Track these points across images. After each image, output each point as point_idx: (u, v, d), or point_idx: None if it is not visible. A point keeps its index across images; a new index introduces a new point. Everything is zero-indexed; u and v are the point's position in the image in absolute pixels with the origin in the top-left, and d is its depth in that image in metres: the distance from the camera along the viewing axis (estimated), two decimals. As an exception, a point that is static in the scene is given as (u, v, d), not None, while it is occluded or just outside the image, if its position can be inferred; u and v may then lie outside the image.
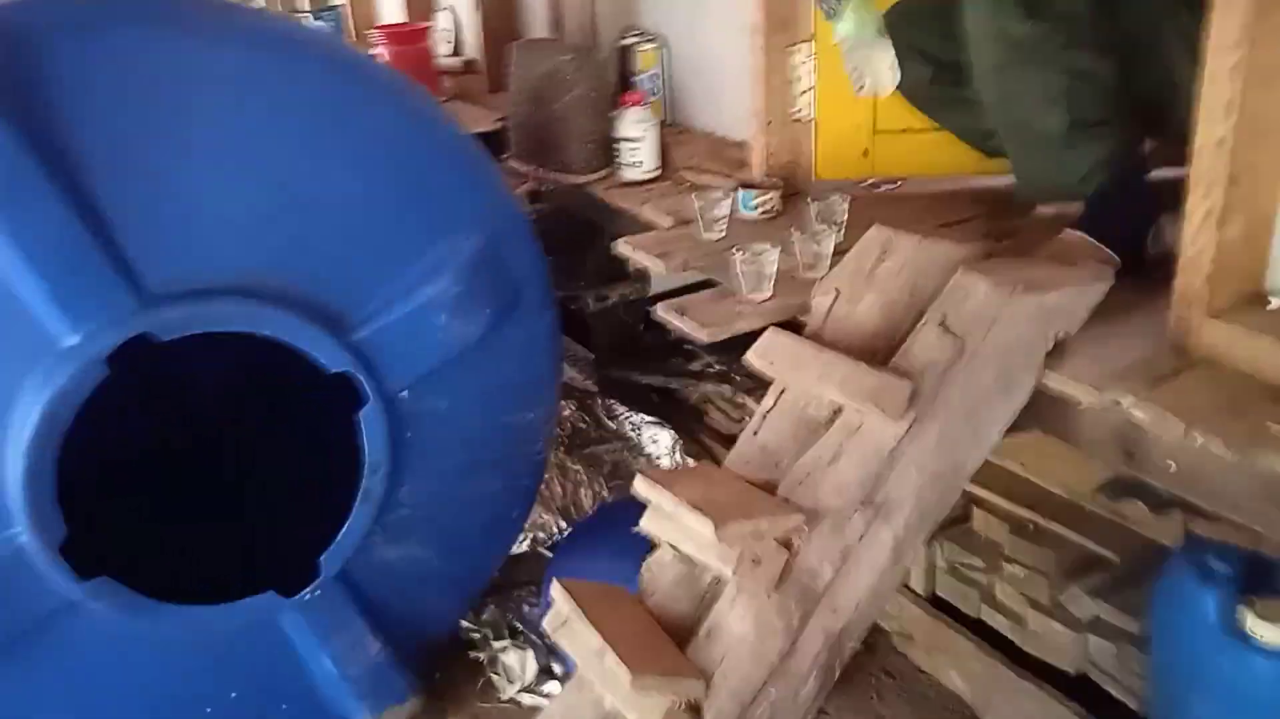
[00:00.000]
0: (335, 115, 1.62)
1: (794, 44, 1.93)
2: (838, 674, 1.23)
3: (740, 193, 1.91)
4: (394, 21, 3.45)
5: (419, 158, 1.70)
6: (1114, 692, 1.70)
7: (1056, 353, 1.30)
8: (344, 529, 1.70)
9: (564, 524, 2.36)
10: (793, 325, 1.52)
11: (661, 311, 1.60)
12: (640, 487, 1.36)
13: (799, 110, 1.98)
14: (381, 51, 2.95)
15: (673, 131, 2.41)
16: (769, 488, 1.36)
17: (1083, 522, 1.77)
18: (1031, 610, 1.81)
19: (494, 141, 2.33)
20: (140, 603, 1.56)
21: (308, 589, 1.70)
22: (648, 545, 1.41)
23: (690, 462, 2.46)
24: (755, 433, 1.44)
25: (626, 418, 2.54)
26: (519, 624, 2.09)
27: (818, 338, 1.46)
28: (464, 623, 2.10)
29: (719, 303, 1.59)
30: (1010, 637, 1.86)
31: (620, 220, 2.17)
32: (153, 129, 1.49)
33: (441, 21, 3.35)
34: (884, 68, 1.80)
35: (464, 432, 1.83)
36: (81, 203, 1.40)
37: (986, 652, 1.83)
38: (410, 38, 3.02)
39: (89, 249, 1.40)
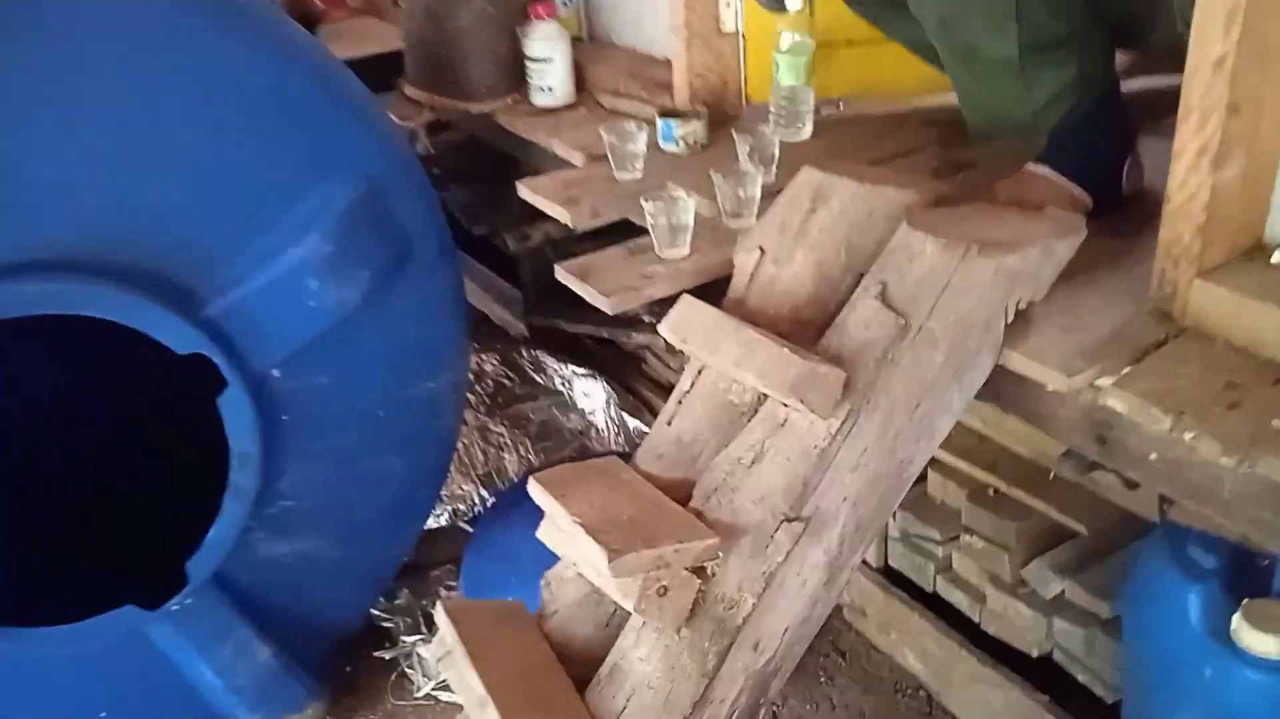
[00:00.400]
0: (171, 47, 1.35)
1: (719, -54, 1.66)
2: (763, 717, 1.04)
3: (660, 122, 1.66)
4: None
5: (278, 95, 1.43)
6: (1081, 677, 1.54)
7: (1019, 323, 1.08)
8: (212, 531, 1.49)
9: (486, 494, 2.15)
10: (721, 285, 1.30)
11: (561, 274, 1.37)
12: (534, 491, 1.16)
13: (726, 23, 1.71)
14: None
15: (592, 48, 2.13)
16: (684, 488, 1.15)
17: (1048, 487, 1.58)
18: (991, 587, 1.63)
19: (398, 65, 2.05)
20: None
21: (175, 599, 1.50)
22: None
23: (626, 419, 2.26)
24: (669, 421, 1.22)
25: (556, 371, 2.31)
26: (433, 612, 1.90)
27: (740, 306, 1.23)
28: (375, 611, 1.91)
29: (629, 261, 1.36)
30: (969, 614, 1.69)
31: (533, 153, 1.91)
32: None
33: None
34: None
35: (353, 410, 1.61)
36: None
37: (943, 631, 1.66)
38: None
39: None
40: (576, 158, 1.74)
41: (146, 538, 1.66)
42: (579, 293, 1.32)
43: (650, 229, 1.35)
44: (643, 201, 1.33)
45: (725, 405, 1.18)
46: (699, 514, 1.08)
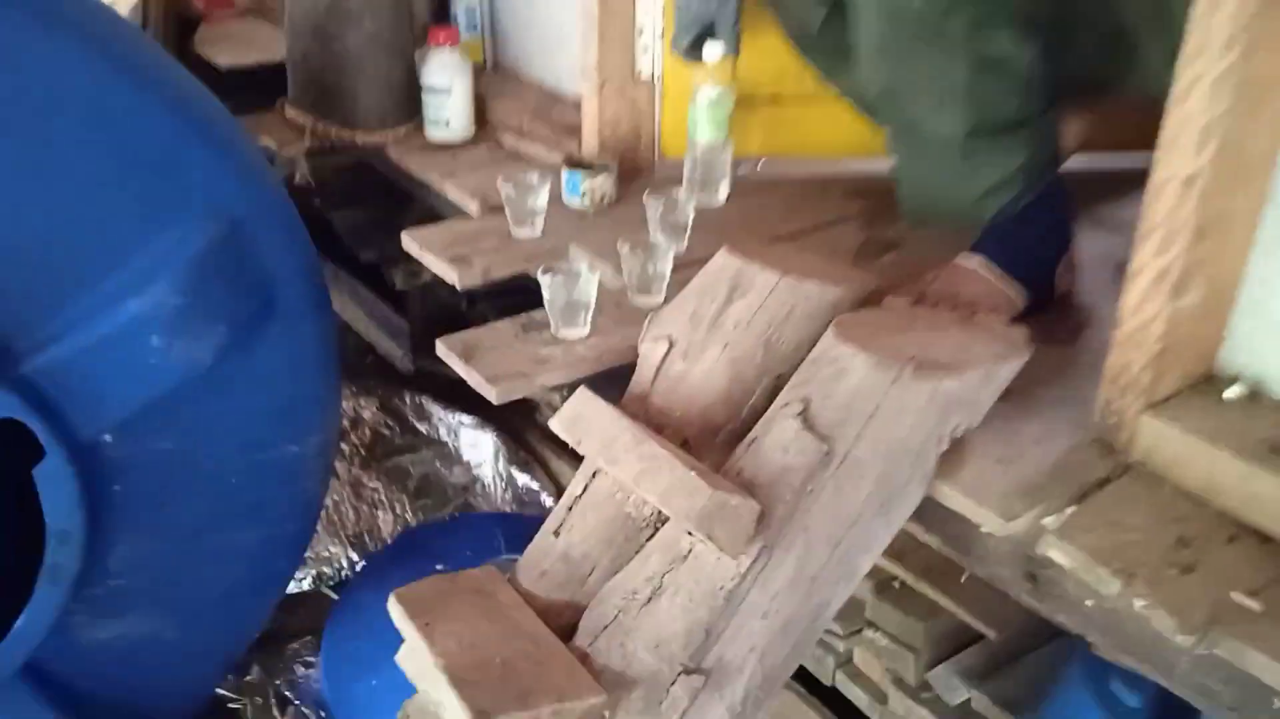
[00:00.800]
0: None
1: (638, -15, 1.52)
2: None
3: (566, 174, 1.52)
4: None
5: (117, 120, 1.23)
6: (991, 798, 1.44)
7: (952, 452, 0.96)
8: (23, 618, 1.29)
9: (355, 557, 1.97)
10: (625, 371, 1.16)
11: (442, 351, 1.21)
12: (394, 613, 0.99)
13: (642, 69, 1.58)
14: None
15: (497, 79, 1.97)
16: (570, 613, 1.01)
17: (958, 584, 1.48)
18: (894, 688, 1.53)
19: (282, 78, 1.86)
20: None
21: (-31, 699, 1.29)
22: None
23: (515, 474, 2.10)
24: (556, 532, 1.07)
25: (441, 419, 2.14)
26: (289, 693, 1.72)
27: (644, 404, 1.09)
28: (222, 691, 1.72)
29: (521, 340, 1.21)
30: (868, 714, 1.58)
31: (427, 190, 1.75)
32: None
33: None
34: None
35: (200, 477, 1.42)
36: None
37: (841, 728, 1.55)
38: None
39: None
40: (472, 206, 1.58)
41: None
42: (461, 375, 1.16)
43: (546, 305, 1.20)
44: (539, 275, 1.18)
45: (621, 519, 1.03)
46: (584, 657, 0.93)
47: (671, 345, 1.11)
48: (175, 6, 2.31)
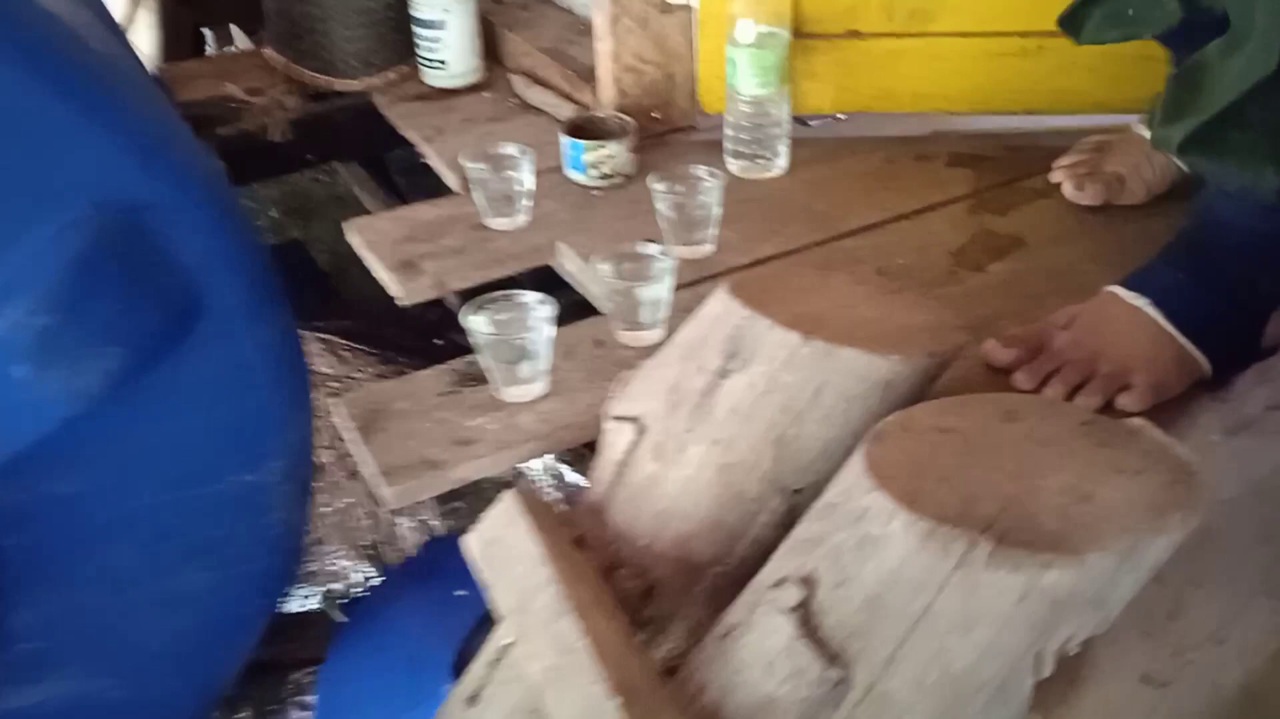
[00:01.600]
0: None
1: (665, -124, 1.11)
2: None
3: (565, 142, 1.14)
4: None
5: None
6: None
7: (1061, 679, 0.57)
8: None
9: (372, 571, 1.69)
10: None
11: (339, 420, 0.87)
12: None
13: (675, -7, 1.18)
14: None
15: (516, 4, 1.58)
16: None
17: None
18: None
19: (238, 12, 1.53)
20: None
21: None
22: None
23: (565, 470, 1.75)
24: (471, 699, 0.74)
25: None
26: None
27: (598, 518, 0.73)
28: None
29: (447, 403, 0.86)
30: None
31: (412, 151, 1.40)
32: None
33: None
34: None
35: (123, 521, 1.14)
36: None
37: None
38: None
39: None
40: (451, 179, 1.22)
41: None
42: (354, 455, 0.83)
43: (476, 354, 0.84)
44: (462, 315, 0.82)
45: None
46: None
47: (641, 432, 0.74)
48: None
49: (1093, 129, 1.16)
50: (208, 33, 2.86)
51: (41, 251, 0.96)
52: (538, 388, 0.85)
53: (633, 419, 0.75)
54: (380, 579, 1.67)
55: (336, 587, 1.69)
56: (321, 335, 1.97)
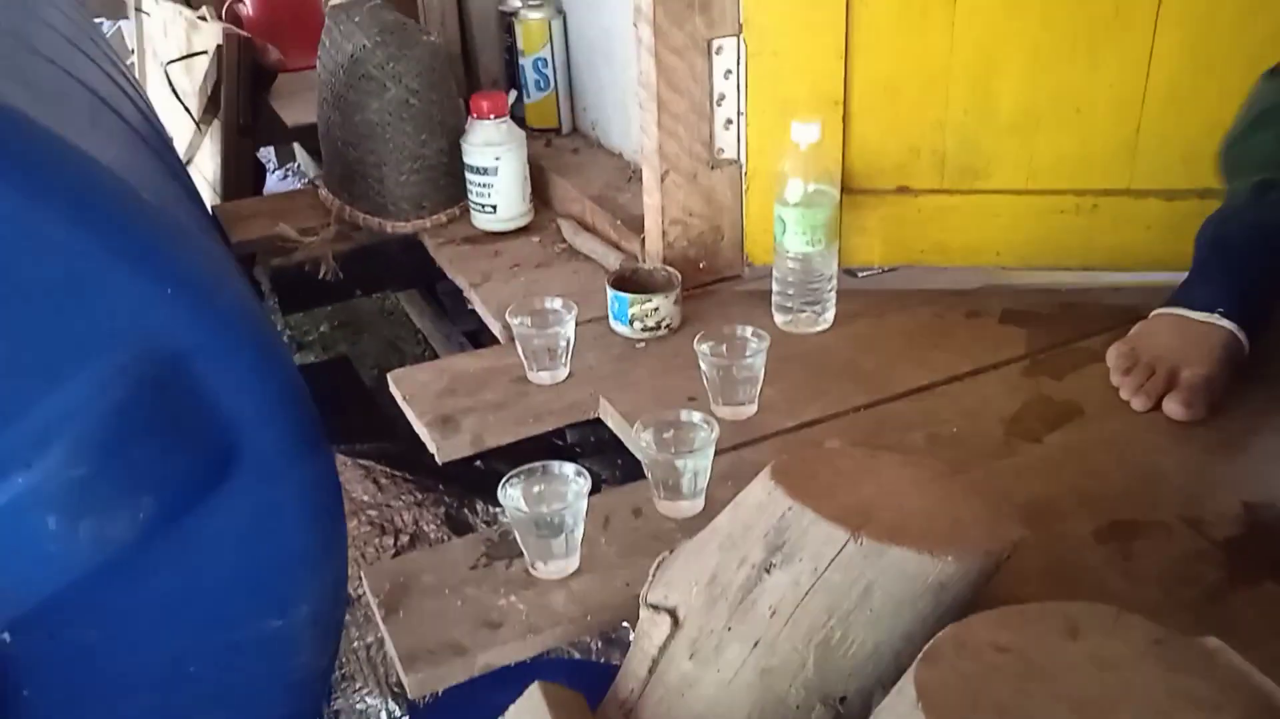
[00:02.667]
0: None
1: (715, 38, 1.12)
2: None
3: (611, 295, 1.13)
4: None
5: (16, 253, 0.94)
6: None
7: None
8: None
9: (398, 710, 1.64)
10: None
11: (369, 588, 0.85)
12: None
13: (723, 148, 1.18)
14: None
15: (569, 145, 1.60)
16: None
17: None
18: None
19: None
20: None
21: None
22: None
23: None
24: None
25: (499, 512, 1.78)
26: None
27: (625, 723, 0.70)
28: None
29: (477, 578, 0.83)
30: None
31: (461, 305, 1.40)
32: None
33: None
34: None
35: (143, 669, 1.11)
36: None
37: None
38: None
39: None
40: (495, 327, 1.21)
41: None
42: (382, 634, 0.80)
43: (514, 531, 0.82)
44: (501, 493, 0.80)
45: None
46: None
47: (676, 626, 0.70)
48: (248, 55, 2.07)
49: (1149, 285, 1.14)
50: (270, 158, 2.94)
51: (82, 399, 0.96)
52: (571, 563, 0.82)
53: (669, 610, 0.71)
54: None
55: (360, 728, 1.65)
56: (361, 461, 1.97)
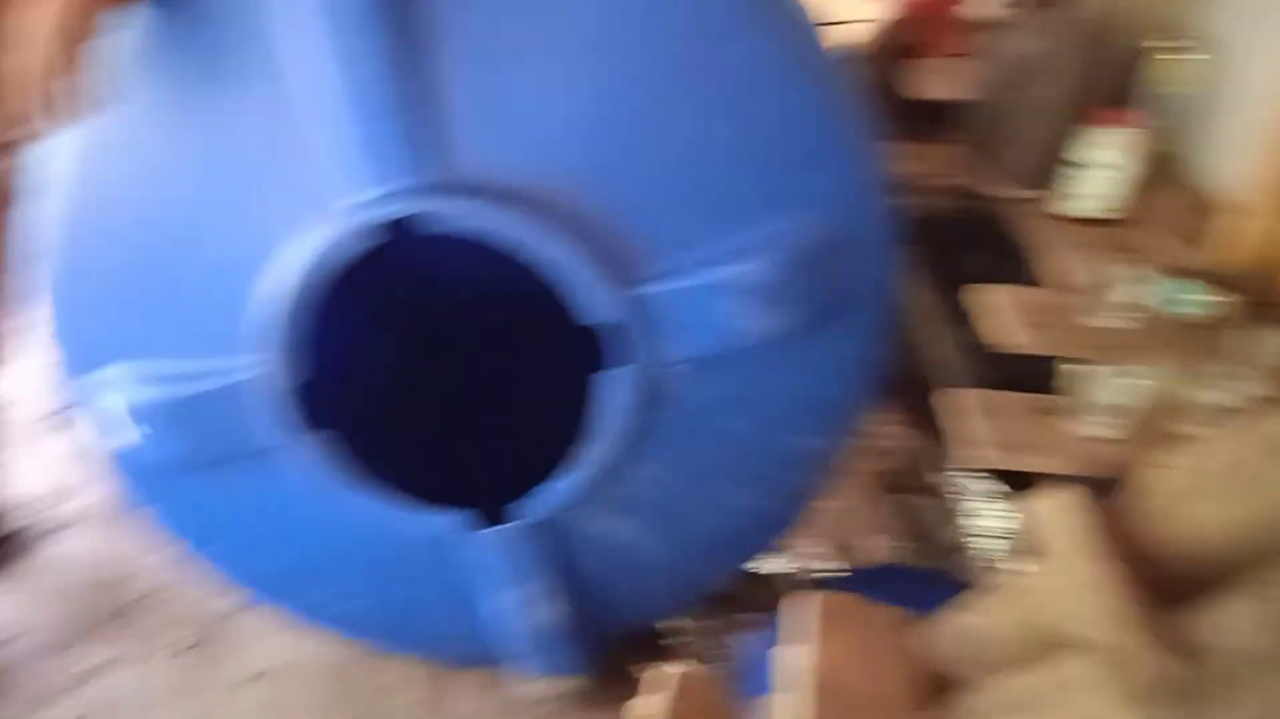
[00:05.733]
0: (701, 38, 1.34)
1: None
2: None
3: (1166, 284, 1.39)
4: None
5: (785, 112, 1.38)
6: None
7: None
8: (549, 484, 1.53)
9: (839, 564, 2.02)
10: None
11: (944, 403, 1.20)
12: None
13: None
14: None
15: (1160, 178, 1.85)
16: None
17: None
18: None
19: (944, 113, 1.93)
20: (352, 472, 1.51)
21: (498, 527, 1.57)
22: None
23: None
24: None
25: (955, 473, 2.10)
26: (705, 657, 1.83)
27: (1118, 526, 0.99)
28: (662, 624, 1.87)
29: (1031, 416, 1.15)
30: None
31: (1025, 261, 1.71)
32: (508, 7, 1.31)
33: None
34: None
35: (729, 434, 1.54)
36: (421, 61, 1.29)
37: None
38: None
39: (413, 108, 1.30)
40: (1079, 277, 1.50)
41: (503, 456, 1.73)
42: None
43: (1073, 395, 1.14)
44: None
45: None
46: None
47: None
48: (897, 36, 2.46)
49: None
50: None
51: (787, 229, 1.39)
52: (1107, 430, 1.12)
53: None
54: (847, 573, 1.97)
55: (815, 564, 2.03)
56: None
